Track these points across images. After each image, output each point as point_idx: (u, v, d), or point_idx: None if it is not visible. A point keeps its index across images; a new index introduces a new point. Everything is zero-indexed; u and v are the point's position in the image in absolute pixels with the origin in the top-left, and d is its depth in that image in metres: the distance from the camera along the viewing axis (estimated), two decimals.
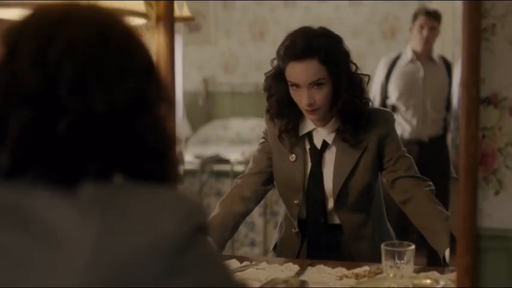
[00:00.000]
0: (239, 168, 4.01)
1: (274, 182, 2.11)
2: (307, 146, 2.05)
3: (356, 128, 1.99)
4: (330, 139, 2.02)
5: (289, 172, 2.05)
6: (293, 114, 2.02)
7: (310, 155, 2.04)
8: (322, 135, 2.03)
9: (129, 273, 0.83)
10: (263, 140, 2.14)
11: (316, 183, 2.03)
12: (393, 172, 2.03)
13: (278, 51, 1.98)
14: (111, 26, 0.93)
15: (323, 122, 2.02)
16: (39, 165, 0.87)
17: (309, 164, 2.03)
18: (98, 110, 0.87)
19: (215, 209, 2.08)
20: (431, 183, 2.05)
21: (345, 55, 1.98)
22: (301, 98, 1.94)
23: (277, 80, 2.00)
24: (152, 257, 0.84)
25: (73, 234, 0.84)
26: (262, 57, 5.16)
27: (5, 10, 1.52)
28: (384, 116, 2.08)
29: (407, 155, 2.07)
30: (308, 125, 2.04)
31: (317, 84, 1.92)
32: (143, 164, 0.92)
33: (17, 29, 0.92)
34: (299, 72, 1.93)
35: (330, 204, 2.03)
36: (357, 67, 2.01)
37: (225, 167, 4.21)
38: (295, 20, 5.06)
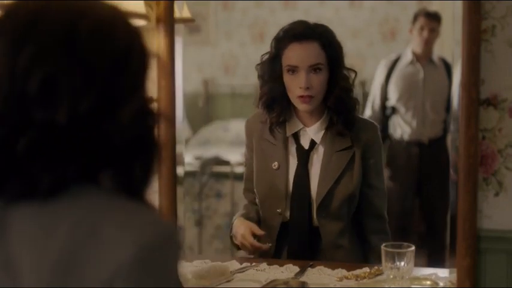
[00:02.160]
0: (239, 169, 4.01)
1: (255, 190, 2.06)
2: (293, 147, 2.02)
3: (347, 121, 1.98)
4: (318, 138, 2.00)
5: (272, 180, 2.01)
6: (283, 109, 2.00)
7: (297, 155, 2.00)
8: (310, 134, 2.01)
9: None
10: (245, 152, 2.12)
11: (303, 185, 1.99)
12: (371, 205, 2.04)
13: (276, 37, 2.00)
14: (82, 22, 0.87)
15: (312, 118, 2.00)
16: (9, 182, 0.85)
17: (293, 169, 2.00)
18: (60, 122, 0.84)
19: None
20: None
21: (340, 47, 2.00)
22: (298, 83, 1.93)
23: (272, 66, 1.99)
24: (109, 285, 0.82)
25: (34, 259, 0.83)
26: None
27: None
28: (371, 125, 2.07)
29: (385, 188, 2.08)
30: (295, 125, 2.01)
31: (315, 69, 1.93)
32: (114, 168, 0.89)
33: None
34: (299, 53, 1.93)
35: (314, 207, 1.98)
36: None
37: (225, 169, 4.20)
38: None
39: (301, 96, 1.94)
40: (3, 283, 0.85)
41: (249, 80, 5.57)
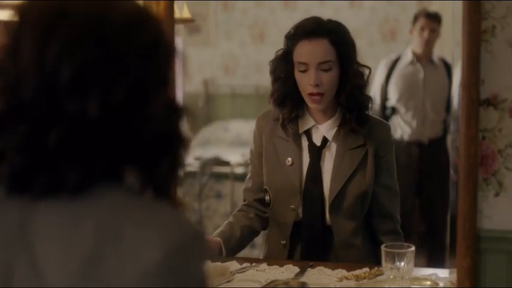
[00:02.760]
0: (239, 170, 4.01)
1: (266, 188, 2.04)
2: (305, 143, 2.01)
3: (360, 118, 1.97)
4: (330, 135, 1.99)
5: (286, 177, 2.00)
6: (295, 105, 1.99)
7: (309, 152, 1.99)
8: (322, 131, 2.00)
9: None
10: (252, 151, 2.10)
11: (315, 183, 1.98)
12: (382, 206, 2.02)
13: (288, 33, 1.99)
14: (110, 14, 0.87)
15: (325, 116, 1.99)
16: (37, 178, 0.85)
17: (306, 165, 1.99)
18: (91, 114, 0.83)
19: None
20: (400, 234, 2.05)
21: (352, 44, 2.00)
22: (308, 80, 1.92)
23: (283, 63, 1.98)
24: (137, 286, 0.81)
25: (61, 257, 0.83)
26: (262, 59, 5.13)
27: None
28: (383, 124, 2.08)
29: (397, 189, 2.07)
30: (308, 122, 2.01)
31: (325, 66, 1.93)
32: (140, 164, 0.88)
33: (17, 22, 0.87)
34: (309, 50, 1.93)
35: (327, 205, 1.98)
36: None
37: (225, 169, 4.20)
38: (295, 22, 5.05)
39: (312, 94, 1.93)
40: (29, 279, 0.84)
41: (249, 80, 5.58)
